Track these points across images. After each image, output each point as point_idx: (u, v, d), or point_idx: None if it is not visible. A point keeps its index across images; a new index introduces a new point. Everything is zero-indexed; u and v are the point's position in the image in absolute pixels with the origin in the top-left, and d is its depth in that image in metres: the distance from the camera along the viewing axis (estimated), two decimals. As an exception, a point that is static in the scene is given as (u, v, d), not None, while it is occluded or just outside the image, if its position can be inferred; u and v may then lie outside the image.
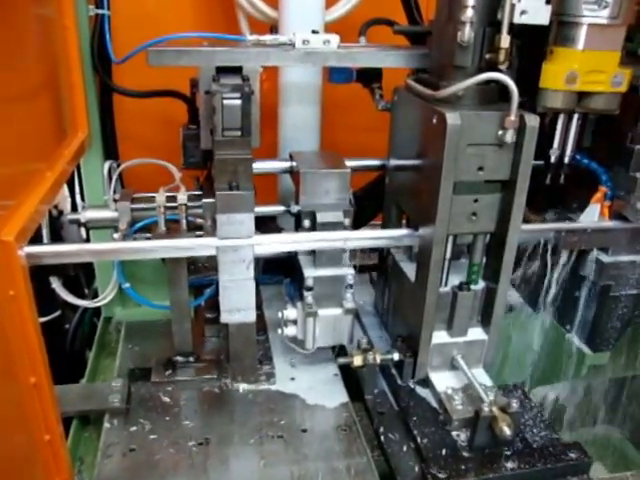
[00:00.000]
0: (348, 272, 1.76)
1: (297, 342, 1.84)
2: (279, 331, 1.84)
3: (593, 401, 2.30)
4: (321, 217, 1.72)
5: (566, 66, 1.53)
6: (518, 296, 2.23)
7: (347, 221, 1.74)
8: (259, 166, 1.75)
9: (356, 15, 2.11)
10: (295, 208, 1.76)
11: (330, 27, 2.02)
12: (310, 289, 1.75)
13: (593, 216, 1.85)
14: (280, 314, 1.81)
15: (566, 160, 1.79)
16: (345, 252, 1.78)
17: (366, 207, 2.05)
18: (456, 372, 1.76)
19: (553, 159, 1.79)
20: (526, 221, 1.67)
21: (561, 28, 1.54)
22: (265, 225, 1.90)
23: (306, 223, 1.74)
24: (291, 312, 1.79)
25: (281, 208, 1.84)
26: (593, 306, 1.98)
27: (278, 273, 2.23)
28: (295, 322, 1.80)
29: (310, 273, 1.75)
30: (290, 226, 1.91)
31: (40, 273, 1.62)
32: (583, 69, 1.53)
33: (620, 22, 1.51)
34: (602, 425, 2.43)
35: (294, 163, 1.82)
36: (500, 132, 1.46)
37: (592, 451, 1.58)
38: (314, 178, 1.74)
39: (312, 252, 1.77)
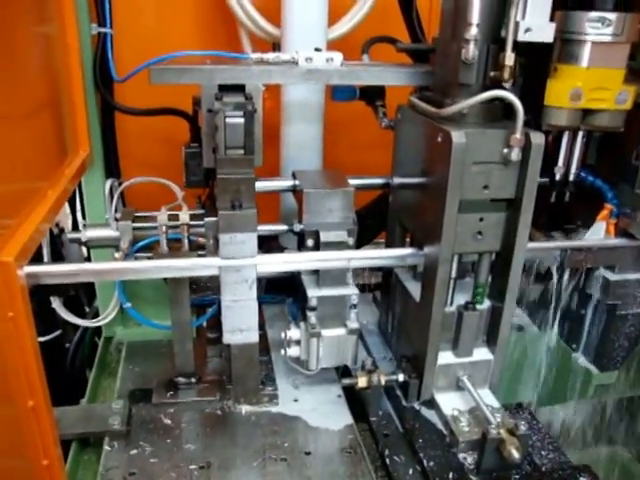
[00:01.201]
0: (352, 292, 1.74)
1: (300, 363, 1.81)
2: (282, 352, 1.81)
3: (600, 421, 2.26)
4: (325, 236, 1.70)
5: (570, 83, 1.52)
6: (524, 314, 2.21)
7: (351, 240, 1.72)
8: (262, 185, 1.75)
9: (359, 33, 2.10)
10: (298, 227, 1.74)
11: (333, 45, 2.02)
12: (313, 309, 1.72)
13: (599, 234, 1.83)
14: (283, 334, 1.78)
15: (571, 178, 1.78)
16: (348, 271, 1.76)
17: (369, 226, 2.03)
18: (462, 393, 1.74)
19: (558, 177, 1.77)
20: (531, 239, 1.66)
21: (565, 46, 1.53)
22: (268, 244, 1.88)
23: (309, 242, 1.72)
24: (294, 332, 1.77)
25: (284, 227, 1.82)
26: (600, 325, 1.95)
27: (281, 293, 2.21)
28: (298, 342, 1.77)
29: (313, 293, 1.73)
30: (293, 245, 1.89)
31: (40, 292, 1.61)
32: (587, 86, 1.52)
33: (624, 39, 1.50)
34: (610, 445, 2.39)
35: (297, 182, 1.80)
36: (505, 150, 1.44)
37: (600, 472, 1.56)
38: (317, 197, 1.73)
39: (315, 272, 1.75)
